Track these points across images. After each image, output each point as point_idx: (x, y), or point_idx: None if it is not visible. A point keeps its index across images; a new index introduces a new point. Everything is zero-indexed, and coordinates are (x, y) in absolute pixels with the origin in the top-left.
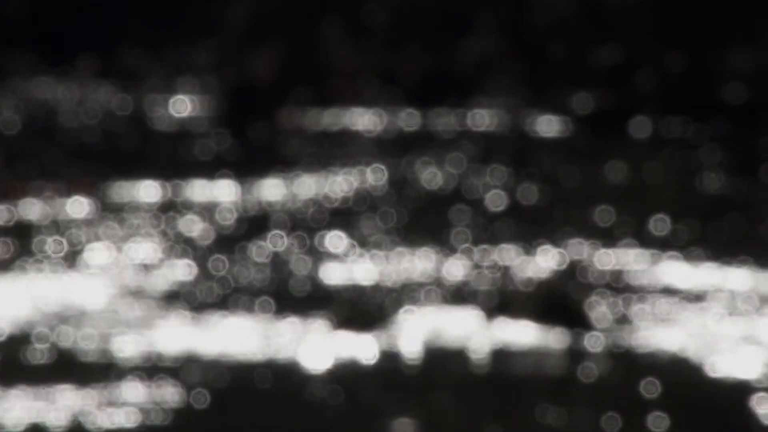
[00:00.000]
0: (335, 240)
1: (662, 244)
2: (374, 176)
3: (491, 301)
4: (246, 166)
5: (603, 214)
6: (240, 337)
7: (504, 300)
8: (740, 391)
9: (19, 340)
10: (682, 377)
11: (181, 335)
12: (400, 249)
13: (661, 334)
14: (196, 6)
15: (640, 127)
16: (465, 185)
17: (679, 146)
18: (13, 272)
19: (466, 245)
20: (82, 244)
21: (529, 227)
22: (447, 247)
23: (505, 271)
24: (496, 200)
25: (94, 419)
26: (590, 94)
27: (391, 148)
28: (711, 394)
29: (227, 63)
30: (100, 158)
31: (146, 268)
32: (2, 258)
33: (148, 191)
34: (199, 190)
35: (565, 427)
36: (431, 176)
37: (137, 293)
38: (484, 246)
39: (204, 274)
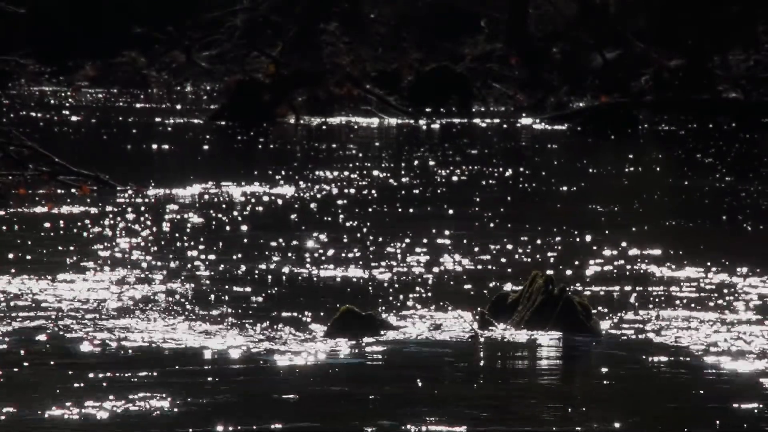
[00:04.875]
0: (333, 237)
1: (661, 243)
2: (373, 174)
3: (488, 299)
4: (246, 165)
5: (602, 213)
6: (237, 333)
7: (501, 297)
8: (740, 388)
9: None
10: (679, 375)
11: (176, 331)
12: (399, 246)
13: (659, 332)
14: (196, 8)
15: (639, 126)
16: (464, 183)
17: (678, 145)
18: (18, 271)
19: (465, 243)
20: (86, 243)
21: (529, 225)
22: (446, 245)
23: (503, 268)
24: (495, 198)
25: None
26: (590, 94)
27: (391, 146)
28: (709, 391)
29: (228, 64)
30: (103, 159)
31: (148, 264)
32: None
33: (150, 190)
34: (201, 188)
35: (562, 426)
36: (431, 174)
37: (139, 289)
38: (482, 243)
39: (202, 271)
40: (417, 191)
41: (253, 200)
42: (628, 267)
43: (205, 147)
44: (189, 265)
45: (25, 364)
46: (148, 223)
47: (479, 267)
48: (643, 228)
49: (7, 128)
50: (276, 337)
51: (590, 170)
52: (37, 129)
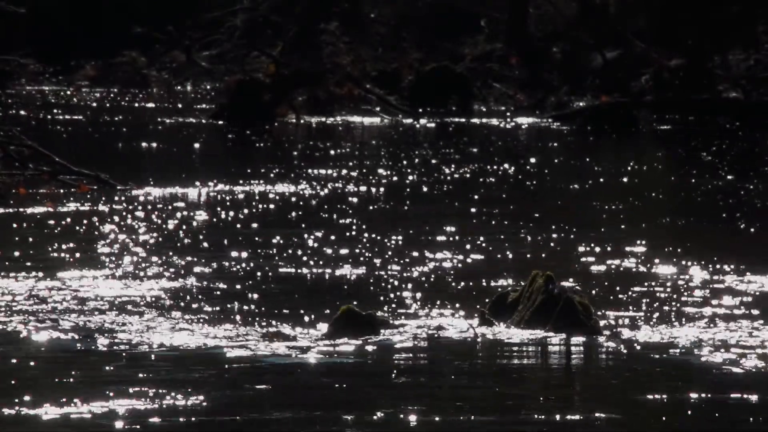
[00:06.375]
0: (333, 236)
1: (661, 242)
2: (372, 173)
3: (489, 298)
4: (246, 164)
5: (603, 212)
6: (236, 332)
7: (501, 297)
8: (741, 386)
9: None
10: (680, 374)
11: (175, 330)
12: (399, 246)
13: (659, 331)
14: (196, 8)
15: (639, 125)
16: (464, 182)
17: (678, 145)
18: (20, 270)
19: (465, 241)
20: (86, 242)
21: (529, 224)
22: (446, 243)
23: (503, 267)
24: (495, 197)
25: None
26: (590, 94)
27: (391, 146)
28: (710, 390)
29: (228, 64)
30: (102, 159)
31: (147, 263)
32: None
33: (150, 189)
34: (201, 187)
35: (562, 425)
36: (431, 173)
37: (138, 288)
38: (483, 242)
39: (202, 269)
40: (416, 190)
41: (252, 199)
42: (629, 266)
43: (205, 146)
44: (189, 264)
45: (25, 362)
46: (148, 222)
47: (479, 266)
48: (643, 227)
49: (8, 128)
50: (276, 337)
51: (591, 169)
52: (38, 129)
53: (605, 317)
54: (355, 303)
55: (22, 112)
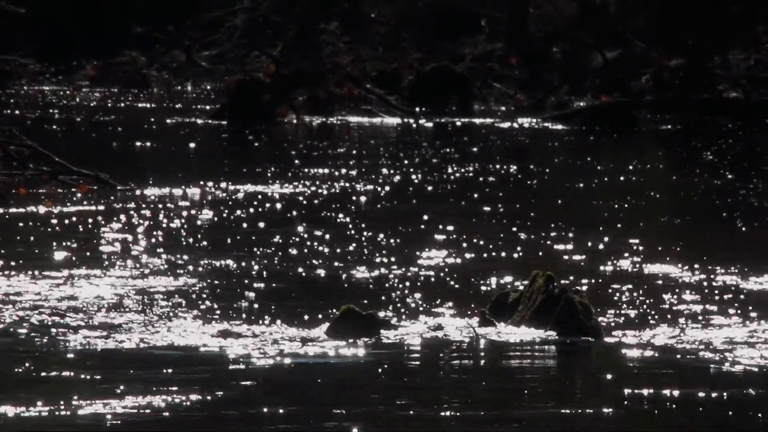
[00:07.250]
0: (334, 236)
1: (662, 241)
2: (372, 173)
3: (489, 298)
4: (246, 164)
5: (603, 212)
6: (237, 332)
7: (502, 297)
8: (741, 386)
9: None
10: (680, 374)
11: (175, 330)
12: (399, 246)
13: (659, 331)
14: (196, 8)
15: (639, 125)
16: (464, 182)
17: (678, 144)
18: (21, 269)
19: (465, 241)
20: (86, 242)
21: (530, 224)
22: (446, 243)
23: (504, 267)
24: (495, 197)
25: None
26: (590, 94)
27: (391, 145)
28: (710, 390)
29: (228, 64)
30: (102, 159)
31: (147, 263)
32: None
33: (150, 189)
34: (201, 187)
35: (562, 425)
36: (432, 173)
37: (139, 288)
38: (483, 242)
39: (202, 269)
40: (417, 190)
41: (252, 199)
42: (629, 266)
43: (205, 146)
44: (189, 263)
45: (24, 362)
46: (148, 222)
47: (479, 266)
48: (643, 227)
49: (8, 128)
50: (276, 337)
51: (591, 169)
52: (38, 129)
53: (605, 318)
54: (355, 303)
55: (17, 112)
